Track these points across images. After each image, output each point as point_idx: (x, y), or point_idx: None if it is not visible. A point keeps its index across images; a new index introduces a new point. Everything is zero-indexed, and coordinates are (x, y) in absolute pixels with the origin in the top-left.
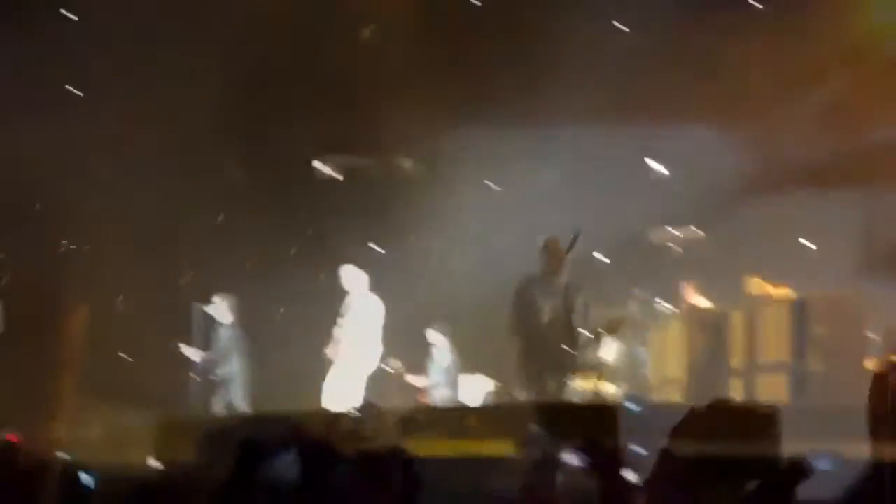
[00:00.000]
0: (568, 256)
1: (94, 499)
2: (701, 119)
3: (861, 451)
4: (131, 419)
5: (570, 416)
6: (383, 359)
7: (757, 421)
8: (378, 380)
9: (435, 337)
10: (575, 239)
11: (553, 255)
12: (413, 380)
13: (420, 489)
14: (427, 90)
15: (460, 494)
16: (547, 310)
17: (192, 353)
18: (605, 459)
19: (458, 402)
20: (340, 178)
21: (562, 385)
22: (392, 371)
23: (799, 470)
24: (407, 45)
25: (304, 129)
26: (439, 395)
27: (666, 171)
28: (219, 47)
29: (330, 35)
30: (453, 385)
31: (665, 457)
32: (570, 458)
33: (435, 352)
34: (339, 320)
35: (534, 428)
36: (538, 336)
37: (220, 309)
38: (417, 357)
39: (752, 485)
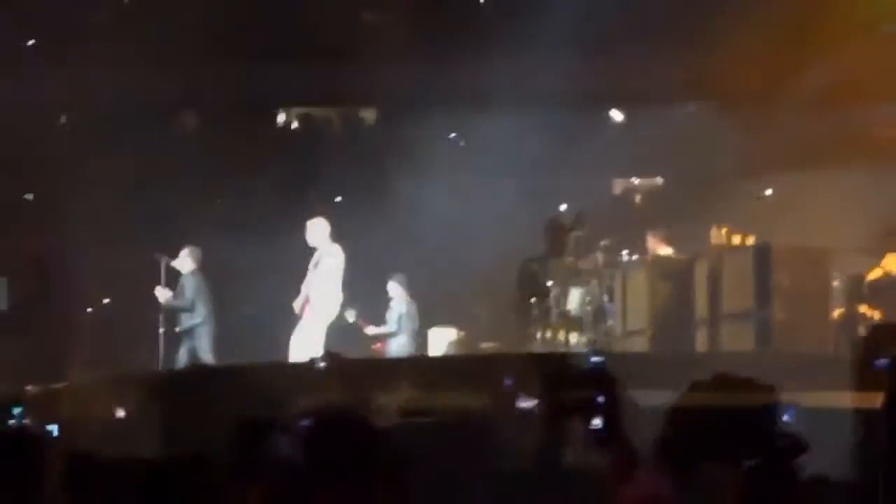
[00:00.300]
0: (572, 235)
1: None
2: (663, 66)
3: (822, 399)
4: (98, 373)
5: (537, 368)
6: (343, 309)
7: (756, 397)
8: (340, 330)
9: (394, 289)
10: (579, 218)
11: (556, 234)
12: (371, 330)
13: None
14: (390, 41)
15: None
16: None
17: (160, 294)
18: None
19: (420, 353)
20: (301, 128)
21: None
22: (350, 321)
23: (797, 446)
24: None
25: (266, 80)
26: (397, 346)
27: (626, 120)
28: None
29: None
30: (412, 335)
31: (665, 433)
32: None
33: (393, 303)
34: (308, 274)
35: (507, 379)
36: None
37: (185, 261)
38: (379, 308)
39: (750, 461)
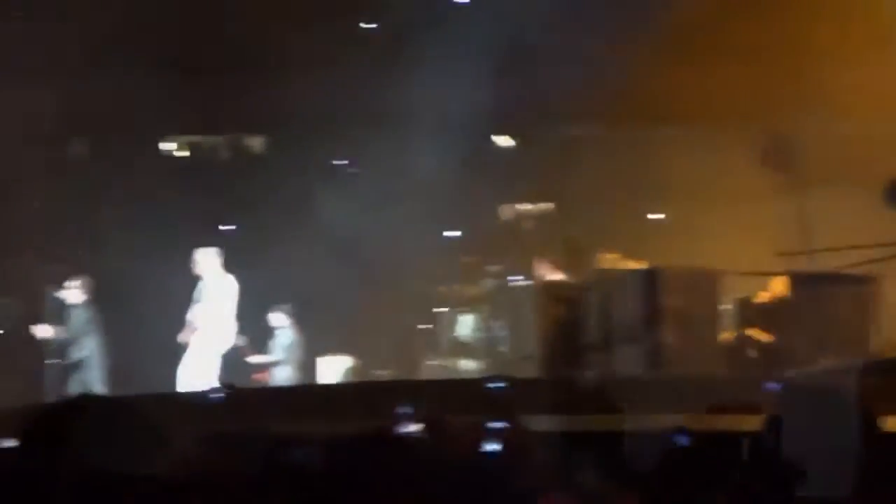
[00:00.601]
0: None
1: None
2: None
3: (710, 423)
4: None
5: (434, 394)
6: (232, 339)
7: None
8: (230, 360)
9: (277, 318)
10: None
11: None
12: (255, 359)
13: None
14: (277, 69)
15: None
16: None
17: (43, 332)
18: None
19: (308, 381)
20: (187, 156)
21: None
22: (232, 348)
23: (796, 476)
24: (256, 22)
25: (150, 109)
26: (281, 375)
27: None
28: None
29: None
30: (295, 364)
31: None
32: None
33: (278, 332)
34: (195, 304)
35: (403, 406)
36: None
37: (73, 292)
38: (262, 337)
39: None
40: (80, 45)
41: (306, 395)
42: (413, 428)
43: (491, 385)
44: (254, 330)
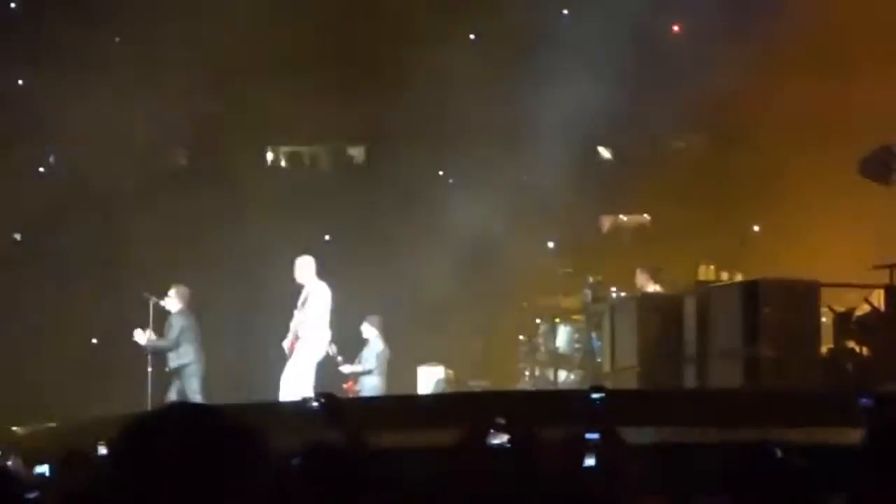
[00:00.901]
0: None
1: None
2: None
3: (812, 435)
4: (88, 412)
5: (530, 404)
6: (326, 347)
7: None
8: (322, 369)
9: (368, 329)
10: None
11: None
12: (347, 368)
13: (369, 482)
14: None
15: (417, 484)
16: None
17: (141, 337)
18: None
19: (404, 393)
20: (288, 166)
21: None
22: (330, 356)
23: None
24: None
25: (255, 118)
26: (371, 385)
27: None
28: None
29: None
30: (387, 375)
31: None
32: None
33: (371, 342)
34: (295, 312)
35: (497, 417)
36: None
37: (173, 300)
38: (355, 346)
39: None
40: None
41: (401, 405)
42: (504, 439)
43: (592, 396)
44: (347, 339)
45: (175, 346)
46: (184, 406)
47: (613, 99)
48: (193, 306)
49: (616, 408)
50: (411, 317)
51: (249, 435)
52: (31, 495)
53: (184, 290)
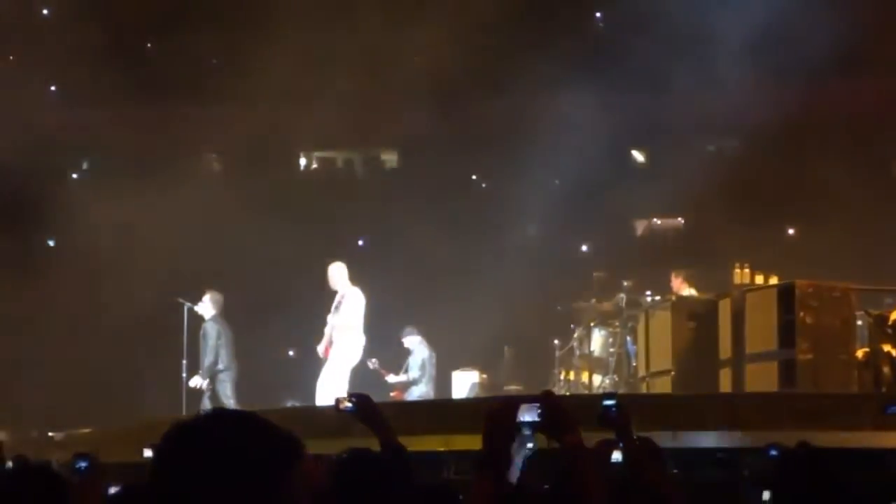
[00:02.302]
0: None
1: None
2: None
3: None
4: (125, 418)
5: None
6: (365, 355)
7: None
8: (362, 373)
9: (410, 339)
10: None
11: None
12: (393, 378)
13: (409, 483)
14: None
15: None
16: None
17: (197, 381)
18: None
19: (443, 398)
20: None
21: None
22: (371, 369)
23: None
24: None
25: (287, 124)
26: (418, 393)
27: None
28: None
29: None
30: (431, 382)
31: None
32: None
33: (415, 352)
34: (329, 317)
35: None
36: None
37: (206, 305)
38: (397, 356)
39: None
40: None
41: (437, 409)
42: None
43: (605, 403)
44: (382, 343)
45: (215, 353)
46: (226, 413)
47: (647, 102)
48: (226, 312)
49: (638, 412)
50: (446, 321)
51: (289, 442)
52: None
53: (217, 295)
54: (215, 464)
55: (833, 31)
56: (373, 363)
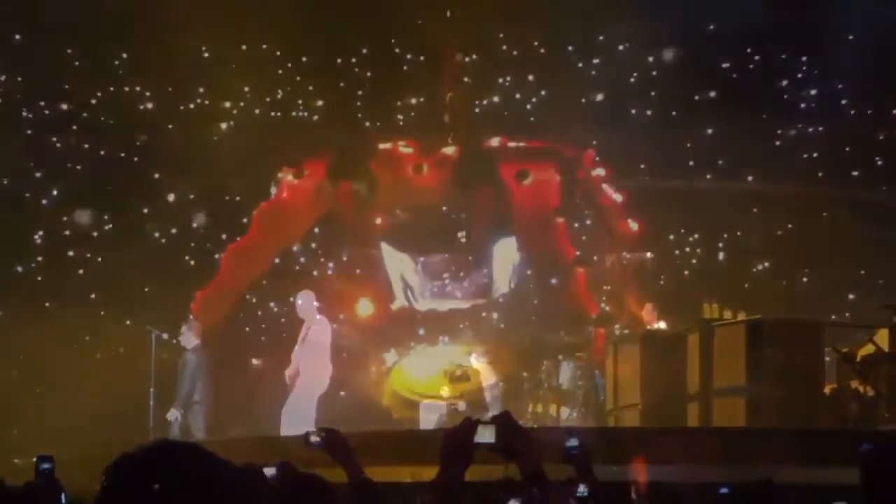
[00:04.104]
0: None
1: None
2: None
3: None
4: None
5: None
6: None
7: None
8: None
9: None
10: None
11: None
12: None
13: None
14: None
15: None
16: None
17: (173, 414)
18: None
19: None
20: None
21: None
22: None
23: None
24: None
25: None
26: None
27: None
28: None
29: None
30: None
31: None
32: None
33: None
34: (296, 347)
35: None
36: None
37: (187, 335)
38: None
39: None
40: None
41: (392, 440)
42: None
43: (567, 445)
44: None
45: (192, 385)
46: (169, 445)
47: (617, 137)
48: (206, 341)
49: (597, 448)
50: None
51: (235, 476)
52: None
53: (197, 324)
54: (159, 498)
55: None
56: None
